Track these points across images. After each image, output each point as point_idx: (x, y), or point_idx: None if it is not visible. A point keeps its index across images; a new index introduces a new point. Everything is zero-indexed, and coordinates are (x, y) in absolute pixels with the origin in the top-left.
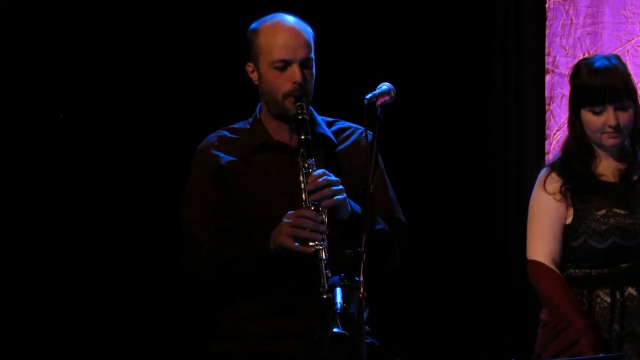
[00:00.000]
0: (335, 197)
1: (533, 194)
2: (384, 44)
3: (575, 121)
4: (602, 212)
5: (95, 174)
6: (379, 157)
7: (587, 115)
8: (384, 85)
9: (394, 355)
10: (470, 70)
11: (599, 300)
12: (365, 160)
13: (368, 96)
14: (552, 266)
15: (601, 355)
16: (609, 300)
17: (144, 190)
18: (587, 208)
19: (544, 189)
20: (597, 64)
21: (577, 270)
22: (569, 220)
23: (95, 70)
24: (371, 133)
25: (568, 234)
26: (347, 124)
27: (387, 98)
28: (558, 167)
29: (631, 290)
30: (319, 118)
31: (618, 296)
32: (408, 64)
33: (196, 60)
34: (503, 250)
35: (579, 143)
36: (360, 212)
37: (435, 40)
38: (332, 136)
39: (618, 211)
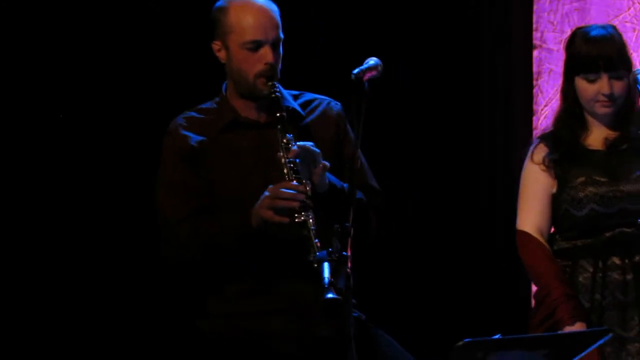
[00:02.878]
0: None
1: (524, 165)
2: (370, 17)
3: (568, 90)
4: (581, 179)
5: (89, 158)
6: (349, 127)
7: (581, 83)
8: (372, 60)
9: (379, 328)
10: (458, 46)
11: (581, 270)
12: (335, 132)
13: (355, 71)
14: (537, 236)
15: (587, 330)
16: (591, 269)
17: (127, 177)
18: (567, 177)
19: (532, 159)
20: (593, 33)
21: (564, 242)
22: (554, 190)
23: (89, 61)
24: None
25: (553, 203)
26: (312, 95)
27: (374, 73)
28: (547, 137)
29: (615, 260)
30: (285, 92)
31: (600, 265)
32: (394, 42)
33: (157, 43)
34: (491, 223)
35: (571, 112)
36: (337, 184)
37: (421, 17)
38: (299, 109)
39: (598, 179)
